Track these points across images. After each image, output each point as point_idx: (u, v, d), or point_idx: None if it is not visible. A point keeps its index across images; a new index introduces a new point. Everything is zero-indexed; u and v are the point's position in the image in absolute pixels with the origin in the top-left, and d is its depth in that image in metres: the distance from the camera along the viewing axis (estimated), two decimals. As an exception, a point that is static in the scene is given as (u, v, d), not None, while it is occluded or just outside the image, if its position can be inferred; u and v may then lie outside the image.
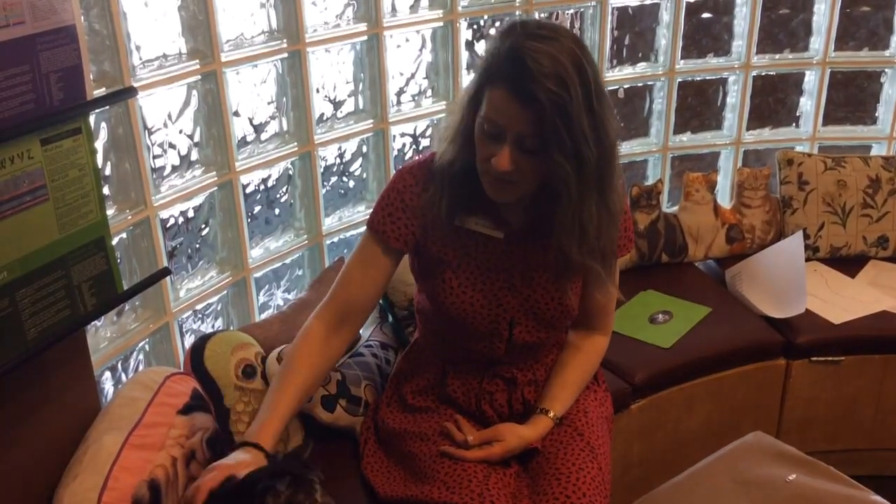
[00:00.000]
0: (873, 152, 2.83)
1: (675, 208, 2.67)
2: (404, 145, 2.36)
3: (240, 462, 1.36)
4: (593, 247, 1.47)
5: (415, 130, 2.36)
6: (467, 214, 1.54)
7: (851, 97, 2.81)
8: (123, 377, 1.84)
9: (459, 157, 1.46)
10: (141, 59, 1.70)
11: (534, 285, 1.57)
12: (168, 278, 1.81)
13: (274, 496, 1.27)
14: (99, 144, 1.64)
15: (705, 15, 2.65)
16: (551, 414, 1.62)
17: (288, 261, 2.18)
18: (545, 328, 1.61)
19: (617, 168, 1.46)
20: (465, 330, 1.59)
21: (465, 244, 1.56)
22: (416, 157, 1.60)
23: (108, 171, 1.69)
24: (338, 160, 2.24)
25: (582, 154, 1.34)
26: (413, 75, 2.30)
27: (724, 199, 2.79)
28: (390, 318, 2.11)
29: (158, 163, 1.80)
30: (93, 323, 1.64)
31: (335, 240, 2.26)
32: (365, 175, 2.31)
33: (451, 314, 1.57)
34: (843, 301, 2.45)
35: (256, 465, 1.36)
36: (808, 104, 2.78)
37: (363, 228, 2.27)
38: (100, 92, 1.55)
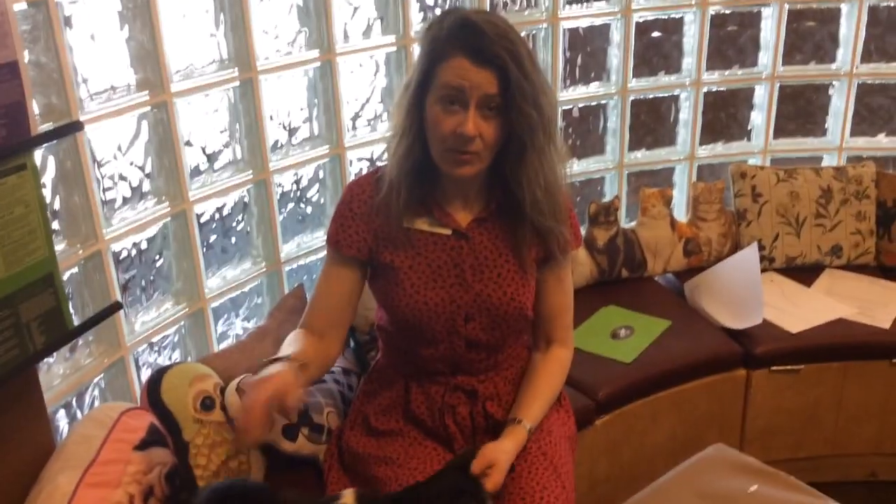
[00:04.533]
0: (824, 163, 2.88)
1: (633, 224, 2.70)
2: (361, 170, 2.36)
3: (279, 374, 1.37)
4: (551, 206, 1.56)
5: (372, 155, 2.36)
6: (415, 216, 1.58)
7: (801, 110, 2.87)
8: (79, 414, 1.80)
9: (414, 147, 1.51)
10: (89, 91, 1.69)
11: (485, 280, 1.59)
12: (122, 311, 1.78)
13: None
14: (47, 179, 1.63)
15: (655, 34, 2.69)
16: (526, 424, 1.60)
17: (246, 289, 2.16)
18: (499, 326, 1.62)
19: (558, 131, 1.57)
20: (423, 333, 1.60)
21: (415, 245, 1.59)
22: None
23: (56, 206, 1.67)
24: (294, 186, 2.23)
25: (540, 103, 1.47)
26: (368, 100, 2.30)
27: (681, 214, 2.82)
28: (352, 343, 2.10)
29: (109, 195, 1.78)
30: (45, 360, 1.61)
31: (294, 266, 2.25)
32: (322, 200, 2.30)
33: (407, 317, 1.58)
34: (799, 310, 2.48)
35: (287, 376, 1.37)
36: (759, 118, 2.84)
37: (323, 254, 2.29)
38: (46, 126, 1.53)
